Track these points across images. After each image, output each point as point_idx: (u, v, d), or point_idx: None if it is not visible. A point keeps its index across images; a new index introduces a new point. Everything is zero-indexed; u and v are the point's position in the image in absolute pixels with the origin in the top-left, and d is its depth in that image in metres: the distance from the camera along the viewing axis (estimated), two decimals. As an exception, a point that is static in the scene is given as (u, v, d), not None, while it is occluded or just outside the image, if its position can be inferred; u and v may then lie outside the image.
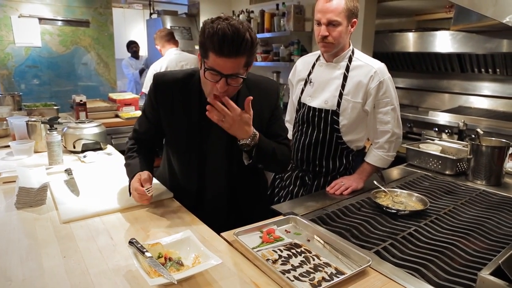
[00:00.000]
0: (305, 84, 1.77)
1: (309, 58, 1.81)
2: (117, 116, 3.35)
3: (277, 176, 1.95)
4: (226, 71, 1.15)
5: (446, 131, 3.33)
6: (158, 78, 1.40)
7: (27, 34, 3.88)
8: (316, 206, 1.48)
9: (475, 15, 2.89)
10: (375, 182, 1.61)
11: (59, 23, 4.04)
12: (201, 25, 1.22)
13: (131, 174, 1.36)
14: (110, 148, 2.20)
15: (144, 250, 0.93)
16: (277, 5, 4.03)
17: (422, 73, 4.41)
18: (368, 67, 1.59)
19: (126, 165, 1.44)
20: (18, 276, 0.92)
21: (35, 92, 4.02)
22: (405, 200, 1.51)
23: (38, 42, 3.96)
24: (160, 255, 0.95)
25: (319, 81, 1.70)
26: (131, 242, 0.97)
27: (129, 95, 3.68)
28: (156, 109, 1.39)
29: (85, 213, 1.27)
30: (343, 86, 1.62)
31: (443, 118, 3.53)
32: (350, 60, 1.63)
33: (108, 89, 4.39)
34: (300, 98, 1.78)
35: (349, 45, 1.64)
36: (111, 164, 1.87)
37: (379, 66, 1.59)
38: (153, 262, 0.89)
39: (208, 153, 1.39)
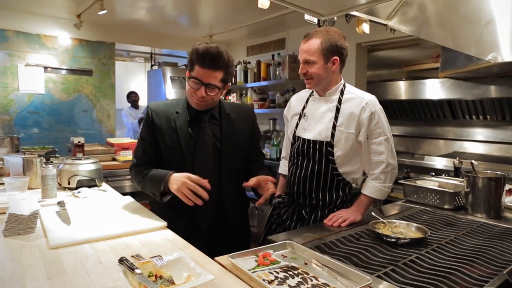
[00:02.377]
0: (299, 118, 1.81)
1: (303, 94, 1.87)
2: (114, 159, 3.36)
3: (274, 212, 1.91)
4: (205, 80, 1.47)
5: (443, 175, 3.33)
6: (152, 106, 1.65)
7: (32, 82, 4.01)
8: (313, 237, 1.44)
9: (460, 61, 3.04)
10: (373, 214, 1.58)
11: (63, 71, 4.20)
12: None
13: (161, 178, 1.47)
14: (105, 186, 2.17)
15: (134, 267, 0.89)
16: (273, 55, 4.24)
17: (415, 120, 4.52)
18: (359, 99, 1.64)
19: (148, 178, 1.53)
20: (-2, 296, 0.87)
21: (34, 137, 4.05)
22: (404, 231, 1.48)
23: (42, 89, 4.08)
24: (151, 274, 0.91)
25: (312, 114, 1.74)
26: (121, 261, 0.93)
27: (127, 140, 3.72)
28: (153, 130, 1.55)
29: (75, 239, 1.23)
30: (336, 118, 1.66)
31: (439, 163, 3.56)
32: (342, 93, 1.69)
33: (107, 136, 4.44)
34: (294, 131, 1.81)
35: (340, 80, 1.71)
36: (105, 200, 1.84)
37: (370, 98, 1.65)
38: (142, 278, 0.85)
39: (198, 168, 1.55)
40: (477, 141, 4.07)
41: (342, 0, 1.67)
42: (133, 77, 6.83)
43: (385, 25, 2.30)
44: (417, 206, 1.93)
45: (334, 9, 1.79)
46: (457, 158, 2.44)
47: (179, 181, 1.40)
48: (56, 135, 4.21)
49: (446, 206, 1.87)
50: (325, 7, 1.78)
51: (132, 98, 5.98)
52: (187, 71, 1.56)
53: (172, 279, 0.90)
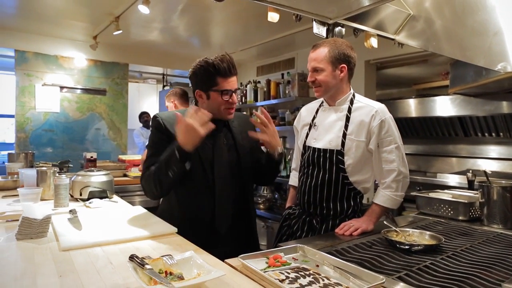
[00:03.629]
0: (309, 129, 1.82)
1: (313, 104, 1.89)
2: (125, 175, 3.40)
3: (284, 224, 1.89)
4: (234, 87, 1.55)
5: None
6: (161, 115, 1.61)
7: (48, 101, 4.13)
8: (324, 244, 1.42)
9: (470, 76, 3.04)
10: (385, 223, 1.56)
11: (78, 91, 4.33)
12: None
13: (171, 149, 1.39)
14: (116, 198, 2.19)
15: (144, 263, 0.89)
16: (282, 74, 4.30)
17: (427, 139, 4.48)
18: (369, 107, 1.65)
19: (159, 165, 1.44)
20: (10, 291, 0.87)
21: (48, 155, 4.13)
22: (418, 239, 1.44)
23: (57, 108, 4.19)
24: (161, 271, 0.90)
25: (323, 124, 1.75)
26: (131, 258, 0.93)
27: (138, 157, 3.77)
28: (168, 138, 1.50)
29: (86, 242, 1.23)
30: (346, 126, 1.66)
31: (452, 180, 3.49)
32: (351, 102, 1.70)
33: (118, 154, 4.50)
34: (305, 142, 1.81)
35: (350, 89, 1.73)
36: (117, 209, 1.84)
37: (380, 106, 1.66)
38: (152, 273, 0.84)
39: (217, 174, 1.55)
40: (491, 158, 4.00)
41: (348, 2, 1.71)
42: (145, 99, 6.98)
43: (393, 39, 2.34)
44: (431, 218, 1.89)
45: (342, 12, 1.82)
46: (470, 171, 2.41)
47: (183, 131, 1.36)
48: (69, 152, 4.28)
49: (460, 218, 1.83)
50: (332, 11, 1.82)
51: (144, 118, 6.09)
52: (202, 90, 1.55)
53: (182, 276, 0.89)
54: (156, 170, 1.45)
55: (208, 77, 1.52)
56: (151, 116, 6.26)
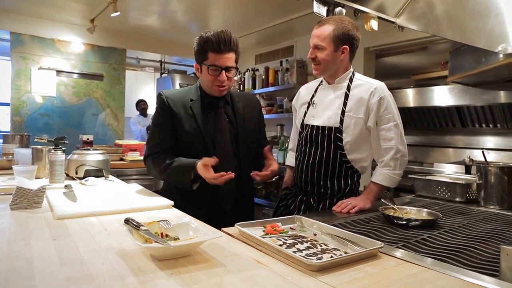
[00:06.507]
0: (308, 107, 1.80)
1: (312, 84, 1.87)
2: (121, 159, 3.37)
3: (280, 204, 1.89)
4: (224, 64, 1.52)
5: (453, 181, 3.27)
6: (165, 93, 1.62)
7: (44, 85, 4.09)
8: (322, 220, 1.40)
9: (469, 64, 3.03)
10: (383, 201, 1.55)
11: (75, 75, 4.28)
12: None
13: (189, 167, 1.45)
14: (112, 177, 2.17)
15: (140, 225, 0.87)
16: (281, 61, 4.28)
17: (424, 129, 4.47)
18: (368, 85, 1.64)
19: (173, 169, 1.49)
20: (3, 250, 0.85)
21: (44, 139, 4.10)
22: (415, 217, 1.44)
23: (53, 92, 4.15)
24: (157, 234, 0.89)
25: (322, 101, 1.74)
26: (126, 221, 0.91)
27: (134, 142, 3.74)
28: (171, 117, 1.55)
29: (81, 212, 1.22)
30: (345, 104, 1.65)
31: (449, 169, 3.50)
32: (351, 80, 1.69)
33: (115, 140, 4.47)
34: (303, 120, 1.80)
35: (350, 68, 1.71)
36: (113, 187, 1.83)
37: (379, 84, 1.64)
38: (148, 233, 0.83)
39: (219, 153, 1.55)
40: (488, 149, 4.01)
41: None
42: (142, 86, 6.92)
43: (393, 22, 2.31)
44: (428, 200, 1.89)
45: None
46: (469, 156, 2.40)
47: (208, 175, 1.42)
48: (65, 137, 4.25)
49: (457, 199, 1.83)
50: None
51: (141, 106, 6.04)
52: (197, 63, 1.59)
53: (178, 238, 0.88)
54: (167, 173, 1.51)
55: (200, 50, 1.54)
56: (148, 104, 6.22)
